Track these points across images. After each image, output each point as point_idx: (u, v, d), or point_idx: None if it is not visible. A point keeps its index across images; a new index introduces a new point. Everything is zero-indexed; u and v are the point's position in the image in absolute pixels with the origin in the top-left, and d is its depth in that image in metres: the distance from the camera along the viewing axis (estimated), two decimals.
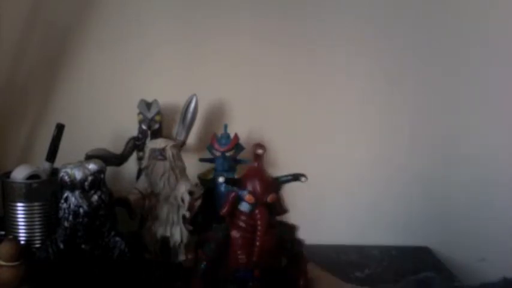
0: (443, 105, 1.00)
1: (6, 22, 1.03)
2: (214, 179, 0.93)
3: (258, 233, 0.55)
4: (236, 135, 0.93)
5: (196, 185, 0.92)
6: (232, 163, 0.93)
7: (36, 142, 1.05)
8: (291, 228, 0.62)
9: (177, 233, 0.88)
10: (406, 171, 1.02)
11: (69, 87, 1.04)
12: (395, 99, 1.00)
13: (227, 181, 0.62)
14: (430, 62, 0.99)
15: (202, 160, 0.96)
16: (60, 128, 0.93)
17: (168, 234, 0.88)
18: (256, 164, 0.59)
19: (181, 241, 0.87)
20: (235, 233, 0.59)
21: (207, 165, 0.97)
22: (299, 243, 0.61)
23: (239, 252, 0.58)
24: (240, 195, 0.58)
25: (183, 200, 0.86)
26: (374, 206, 1.03)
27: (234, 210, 0.58)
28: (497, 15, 0.96)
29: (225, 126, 0.94)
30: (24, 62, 1.04)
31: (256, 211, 0.56)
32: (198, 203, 0.88)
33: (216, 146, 0.92)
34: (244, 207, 0.58)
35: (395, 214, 1.03)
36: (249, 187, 0.58)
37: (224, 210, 0.58)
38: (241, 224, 0.58)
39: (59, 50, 1.03)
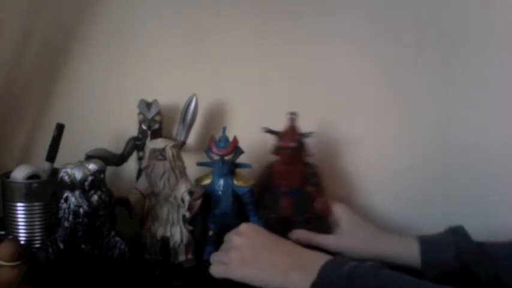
0: (443, 105, 1.00)
1: (7, 22, 1.03)
2: (212, 185, 0.91)
3: (279, 162, 0.90)
4: (235, 138, 0.90)
5: (196, 184, 0.91)
6: (232, 167, 0.90)
7: (36, 142, 1.05)
8: (314, 167, 0.92)
9: (177, 233, 0.88)
10: (406, 171, 1.02)
11: (69, 87, 1.04)
12: (396, 100, 1.00)
13: (270, 131, 0.90)
14: (430, 62, 0.99)
15: (199, 164, 0.93)
16: (60, 128, 0.93)
17: (168, 234, 0.88)
18: (290, 124, 0.90)
19: (181, 241, 0.87)
20: (276, 164, 0.91)
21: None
22: (318, 176, 0.92)
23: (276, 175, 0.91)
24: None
25: (183, 200, 0.86)
26: (373, 206, 1.03)
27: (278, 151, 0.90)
28: (498, 13, 0.97)
29: (224, 129, 0.91)
30: (24, 62, 1.04)
31: (283, 150, 0.89)
32: (198, 203, 0.87)
33: (214, 149, 0.89)
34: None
35: (395, 214, 1.03)
36: (282, 137, 0.90)
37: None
38: (279, 158, 0.91)
39: (59, 49, 1.03)
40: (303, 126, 1.00)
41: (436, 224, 0.84)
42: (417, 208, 1.02)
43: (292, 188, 0.91)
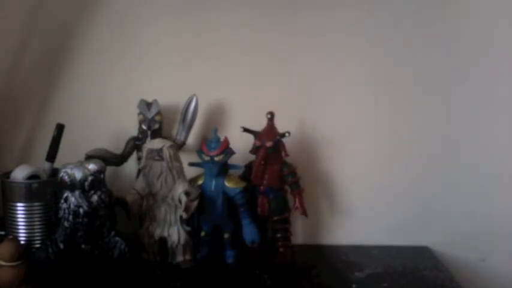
0: (443, 105, 1.00)
1: (7, 22, 1.03)
2: (204, 185, 0.90)
3: (256, 161, 0.88)
4: (226, 139, 0.89)
5: (193, 185, 0.90)
6: (222, 168, 0.89)
7: (36, 142, 1.05)
8: (291, 166, 0.91)
9: (175, 234, 0.88)
10: (406, 171, 1.02)
11: (69, 87, 1.04)
12: (397, 99, 1.00)
13: (247, 130, 0.90)
14: (429, 62, 0.99)
15: (191, 164, 0.91)
16: (60, 128, 0.93)
17: (165, 234, 0.88)
18: (268, 123, 0.91)
19: (179, 242, 0.87)
20: (254, 163, 0.90)
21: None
22: (296, 176, 0.91)
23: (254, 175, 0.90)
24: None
25: (180, 201, 0.86)
26: (374, 206, 1.03)
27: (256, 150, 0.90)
28: (498, 14, 0.97)
29: (215, 131, 0.90)
30: (24, 62, 1.04)
31: (260, 149, 0.88)
32: (195, 204, 0.86)
33: (205, 150, 0.88)
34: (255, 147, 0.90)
35: (395, 214, 1.03)
36: (260, 136, 0.89)
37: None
38: (256, 157, 0.90)
39: (59, 50, 1.03)
40: (303, 126, 1.00)
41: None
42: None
43: (270, 188, 0.90)
